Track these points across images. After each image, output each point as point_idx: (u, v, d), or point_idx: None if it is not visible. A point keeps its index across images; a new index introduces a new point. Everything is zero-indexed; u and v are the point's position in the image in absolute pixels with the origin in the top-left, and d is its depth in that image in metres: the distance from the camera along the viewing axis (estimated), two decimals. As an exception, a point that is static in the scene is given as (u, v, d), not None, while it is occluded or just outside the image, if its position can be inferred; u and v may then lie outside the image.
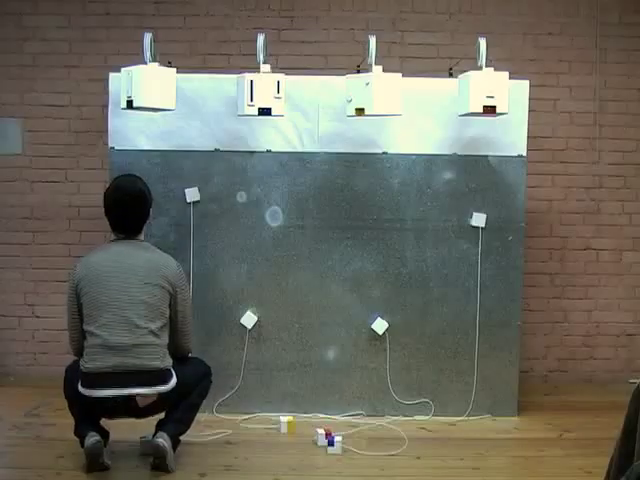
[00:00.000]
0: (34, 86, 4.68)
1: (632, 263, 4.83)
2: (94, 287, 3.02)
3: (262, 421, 3.87)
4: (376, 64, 3.54)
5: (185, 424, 3.22)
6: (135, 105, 3.47)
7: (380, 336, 3.97)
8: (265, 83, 3.56)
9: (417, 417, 3.98)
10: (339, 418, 3.94)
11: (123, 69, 3.54)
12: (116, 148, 3.92)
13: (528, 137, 3.95)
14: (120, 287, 3.01)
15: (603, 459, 2.17)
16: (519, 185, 3.96)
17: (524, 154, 3.95)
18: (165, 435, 3.08)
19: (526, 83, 3.94)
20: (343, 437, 3.53)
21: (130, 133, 3.90)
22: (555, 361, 4.84)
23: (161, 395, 3.04)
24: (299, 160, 3.94)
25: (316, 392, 3.99)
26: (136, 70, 3.46)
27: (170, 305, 3.11)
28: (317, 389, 3.99)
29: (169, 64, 3.63)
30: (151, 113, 3.69)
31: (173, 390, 3.07)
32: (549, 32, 4.72)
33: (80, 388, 3.02)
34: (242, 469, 3.27)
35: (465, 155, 3.95)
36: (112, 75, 3.85)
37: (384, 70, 3.54)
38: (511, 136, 3.93)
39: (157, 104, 3.50)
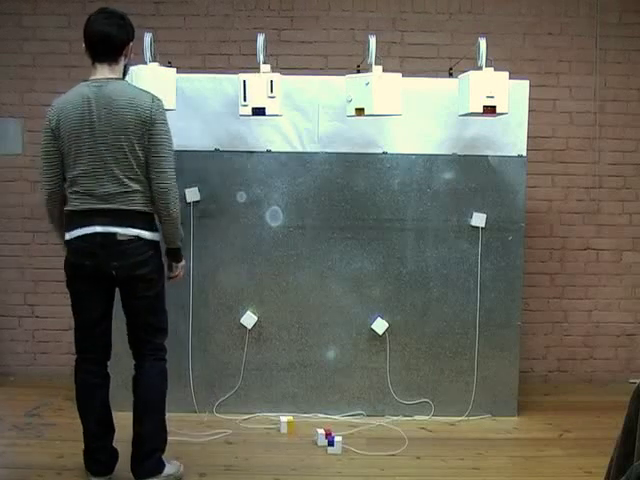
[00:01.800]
0: (34, 86, 4.68)
1: (632, 263, 4.83)
2: (72, 135, 2.84)
3: (262, 421, 3.87)
4: (376, 64, 3.54)
5: (157, 443, 3.05)
6: (135, 105, 3.46)
7: (380, 336, 3.97)
8: (258, 83, 3.56)
9: (417, 417, 3.98)
10: (339, 418, 3.94)
11: (123, 69, 3.53)
12: (116, 148, 3.91)
13: (528, 137, 3.96)
14: (98, 134, 2.81)
15: (603, 459, 2.17)
16: (519, 185, 3.96)
17: (524, 154, 3.95)
18: None
19: (526, 83, 3.94)
20: (343, 437, 3.54)
21: (130, 133, 3.89)
22: (555, 361, 4.84)
23: (140, 261, 2.89)
24: (299, 160, 3.94)
25: (316, 392, 3.99)
26: (136, 70, 3.46)
27: (149, 145, 2.86)
28: (317, 389, 3.99)
29: (169, 64, 3.64)
30: (151, 113, 3.69)
31: (151, 266, 2.92)
32: (549, 32, 4.72)
33: (65, 234, 2.93)
34: (242, 469, 3.28)
35: (465, 155, 3.95)
36: (112, 75, 3.84)
37: (384, 70, 3.54)
38: (511, 136, 3.93)
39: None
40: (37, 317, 4.74)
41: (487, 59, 3.55)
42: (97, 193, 2.84)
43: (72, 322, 4.68)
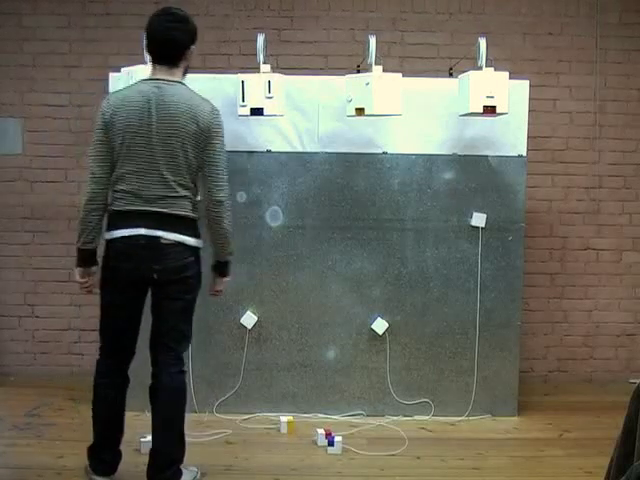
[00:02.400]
0: (34, 86, 4.68)
1: (632, 263, 4.83)
2: (126, 131, 2.80)
3: (262, 421, 3.87)
4: (376, 64, 3.54)
5: (176, 455, 2.97)
6: (135, 105, 3.46)
7: (380, 336, 3.97)
8: (256, 83, 3.56)
9: (417, 417, 3.98)
10: (339, 418, 3.94)
11: (123, 69, 3.54)
12: (116, 148, 3.92)
13: (528, 137, 3.96)
14: (154, 135, 2.79)
15: (603, 459, 2.17)
16: (519, 185, 3.96)
17: (524, 154, 3.95)
18: None
19: (526, 83, 3.94)
20: (343, 437, 3.54)
21: (130, 133, 3.89)
22: (555, 361, 4.84)
23: (178, 264, 2.86)
24: (299, 160, 3.94)
25: (316, 392, 3.99)
26: (136, 70, 3.46)
27: (202, 154, 2.85)
28: (317, 389, 3.99)
29: (169, 64, 3.62)
30: (151, 113, 3.69)
31: (192, 272, 2.90)
32: (549, 32, 4.72)
33: (106, 234, 2.88)
34: (242, 469, 3.28)
35: (465, 155, 3.95)
36: (112, 75, 3.85)
37: (384, 70, 3.54)
38: (511, 136, 3.93)
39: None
40: (37, 317, 4.74)
41: (487, 59, 3.55)
42: (144, 194, 2.81)
43: (72, 322, 4.73)
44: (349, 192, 3.96)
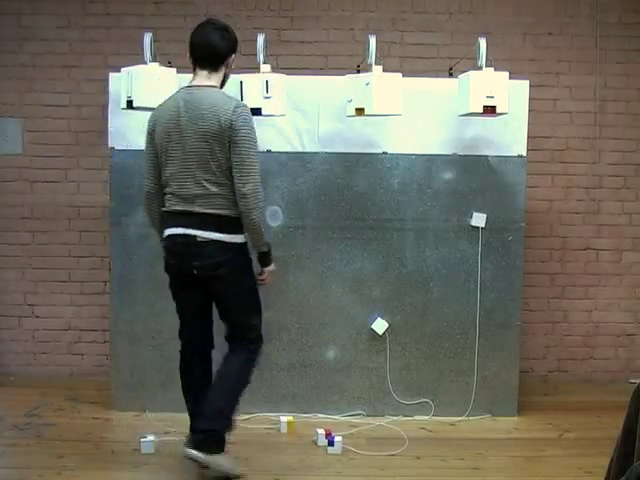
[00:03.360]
0: (34, 86, 4.67)
1: (632, 263, 4.83)
2: (164, 139, 3.03)
3: (262, 421, 3.87)
4: (376, 64, 3.54)
5: (216, 423, 3.04)
6: (135, 105, 3.47)
7: (380, 336, 3.97)
8: (254, 83, 3.56)
9: (417, 417, 3.98)
10: (339, 418, 3.94)
11: (123, 69, 3.54)
12: (116, 148, 3.92)
13: (528, 137, 3.95)
14: (184, 139, 2.98)
15: (603, 459, 2.17)
16: (519, 185, 3.96)
17: (524, 154, 3.95)
18: (192, 452, 2.99)
19: (526, 83, 3.94)
20: (343, 437, 3.54)
21: (130, 133, 3.90)
22: (555, 361, 4.84)
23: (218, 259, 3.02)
24: (299, 160, 3.94)
25: (316, 392, 3.99)
26: (136, 70, 3.45)
27: (229, 151, 2.98)
28: (317, 389, 3.99)
29: (169, 64, 3.63)
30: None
31: (232, 265, 3.05)
32: (549, 32, 4.72)
33: (161, 233, 3.15)
34: (242, 469, 3.27)
35: (465, 155, 3.95)
36: (112, 75, 3.85)
37: (384, 70, 3.54)
38: (511, 136, 3.93)
39: (157, 104, 3.49)
40: (37, 317, 4.74)
41: (487, 59, 3.55)
42: (182, 195, 3.02)
43: (72, 322, 4.74)
44: (349, 192, 3.96)
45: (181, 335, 3.26)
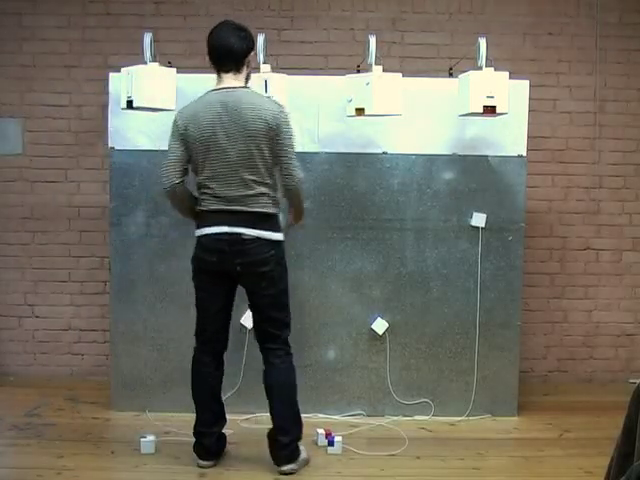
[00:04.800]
0: (34, 86, 4.68)
1: (632, 263, 4.83)
2: (203, 142, 3.06)
3: (262, 421, 3.86)
4: (376, 64, 3.54)
5: (294, 433, 3.26)
6: (135, 105, 3.47)
7: (380, 336, 3.97)
8: (254, 83, 3.55)
9: (417, 417, 3.98)
10: (339, 418, 3.94)
11: (123, 69, 3.53)
12: (116, 148, 3.92)
13: (528, 137, 3.96)
14: (228, 141, 3.03)
15: (603, 459, 2.17)
16: (519, 185, 3.96)
17: (524, 154, 3.95)
18: (287, 468, 3.21)
19: (526, 83, 3.94)
20: (343, 437, 3.54)
21: (130, 133, 3.90)
22: (555, 361, 4.84)
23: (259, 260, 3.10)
24: (299, 160, 3.92)
25: (316, 392, 3.99)
26: (136, 70, 3.45)
27: (275, 150, 3.10)
28: (317, 389, 3.99)
29: (169, 64, 3.63)
30: (151, 113, 3.69)
31: (273, 266, 3.13)
32: (549, 32, 4.72)
33: (196, 231, 3.17)
34: (242, 469, 3.28)
35: (465, 155, 3.95)
36: (112, 75, 3.85)
37: (384, 70, 3.54)
38: (511, 136, 3.93)
39: (157, 104, 3.50)
40: (37, 317, 4.74)
41: (487, 59, 3.55)
42: (226, 195, 3.08)
43: (72, 322, 4.73)
44: (349, 192, 3.96)
45: (201, 334, 3.29)
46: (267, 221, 3.12)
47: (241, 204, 3.07)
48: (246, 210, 3.07)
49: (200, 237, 3.16)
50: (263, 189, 3.09)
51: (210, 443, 3.27)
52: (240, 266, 3.09)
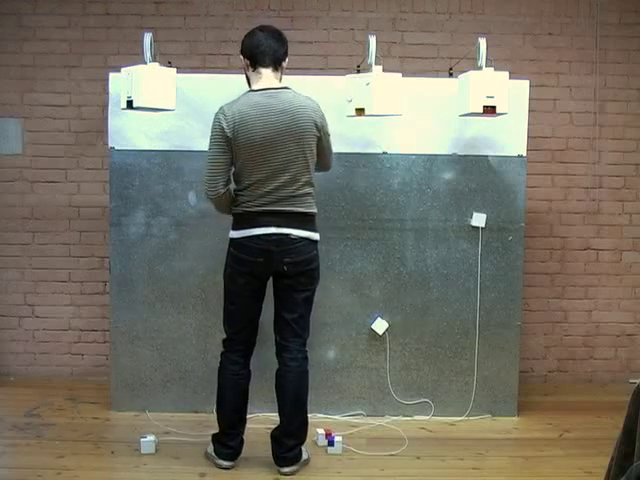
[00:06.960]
0: (34, 86, 4.67)
1: (632, 263, 4.83)
2: (253, 144, 3.06)
3: (262, 421, 3.86)
4: (376, 64, 3.54)
5: (300, 437, 3.27)
6: (135, 105, 3.46)
7: (380, 336, 3.97)
8: None
9: (417, 417, 3.98)
10: (339, 418, 3.94)
11: (123, 69, 3.53)
12: (116, 148, 3.92)
13: (528, 137, 3.96)
14: (279, 142, 3.06)
15: (603, 459, 2.17)
16: (519, 185, 3.96)
17: (524, 154, 3.95)
18: (289, 469, 3.24)
19: (526, 83, 3.94)
20: (343, 437, 3.54)
21: (130, 133, 3.90)
22: (555, 361, 4.84)
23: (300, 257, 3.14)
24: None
25: (316, 392, 3.98)
26: (136, 70, 3.45)
27: (319, 146, 3.19)
28: (317, 389, 3.99)
29: (169, 64, 3.63)
30: (151, 113, 3.69)
31: (312, 266, 3.20)
32: (549, 32, 4.72)
33: (239, 232, 3.14)
34: (242, 469, 3.28)
35: (465, 155, 3.95)
36: (112, 75, 3.85)
37: (384, 70, 3.54)
38: (511, 136, 3.93)
39: (157, 104, 3.50)
40: (37, 317, 4.74)
41: (487, 59, 3.55)
42: (274, 196, 3.09)
43: (72, 322, 4.73)
44: (349, 192, 3.96)
45: (235, 337, 3.28)
46: (311, 221, 3.19)
47: (289, 204, 3.10)
48: (294, 210, 3.11)
49: (241, 239, 3.13)
50: (309, 189, 3.15)
51: (237, 444, 3.28)
52: (287, 265, 3.12)
